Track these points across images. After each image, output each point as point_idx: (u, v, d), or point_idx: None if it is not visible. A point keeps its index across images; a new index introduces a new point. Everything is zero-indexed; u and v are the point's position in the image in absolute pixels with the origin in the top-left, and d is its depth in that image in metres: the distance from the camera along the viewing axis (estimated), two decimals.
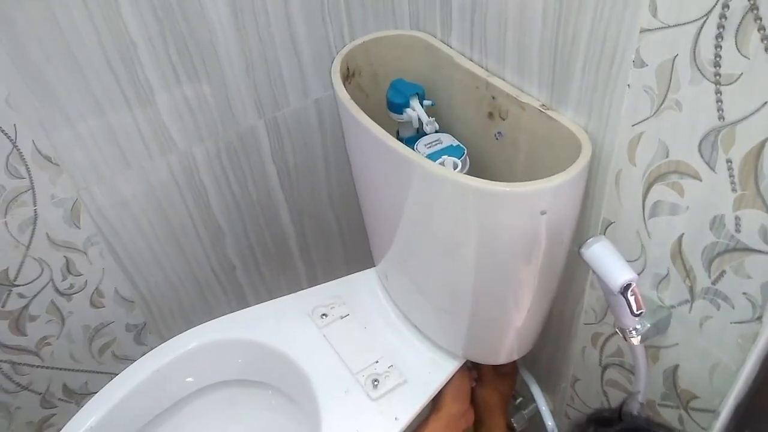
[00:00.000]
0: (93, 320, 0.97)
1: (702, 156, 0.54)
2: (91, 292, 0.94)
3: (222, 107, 0.91)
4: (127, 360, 1.05)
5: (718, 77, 0.49)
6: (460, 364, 0.83)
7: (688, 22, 0.49)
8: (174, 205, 0.95)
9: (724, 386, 0.62)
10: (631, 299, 0.58)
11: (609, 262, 0.58)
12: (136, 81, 0.81)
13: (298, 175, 1.08)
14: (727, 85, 0.49)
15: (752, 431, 0.62)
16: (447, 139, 0.75)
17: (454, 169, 0.70)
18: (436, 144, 0.74)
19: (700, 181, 0.55)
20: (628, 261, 0.60)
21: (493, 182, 0.59)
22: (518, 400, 0.97)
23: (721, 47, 0.48)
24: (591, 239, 0.59)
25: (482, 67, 0.74)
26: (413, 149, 0.74)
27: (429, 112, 0.78)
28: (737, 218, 0.53)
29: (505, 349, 0.80)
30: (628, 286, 0.57)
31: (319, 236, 1.19)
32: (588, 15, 0.57)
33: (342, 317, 0.88)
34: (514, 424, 0.95)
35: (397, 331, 0.87)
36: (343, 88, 0.73)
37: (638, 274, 0.63)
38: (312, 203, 1.13)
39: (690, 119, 0.53)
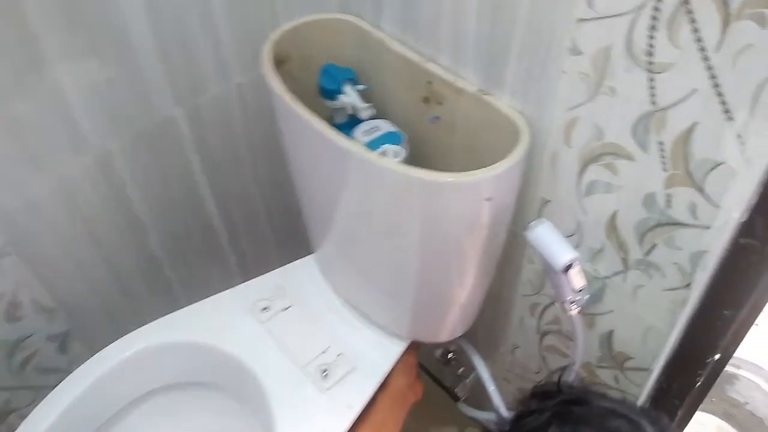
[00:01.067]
0: (11, 334, 0.90)
1: (635, 138, 0.57)
2: (6, 305, 0.87)
3: (138, 96, 0.85)
4: (51, 371, 0.99)
5: (651, 65, 0.51)
6: (407, 345, 0.85)
7: (622, 14, 0.51)
8: (91, 204, 0.89)
9: (656, 347, 0.68)
10: (573, 277, 0.61)
11: (552, 243, 0.60)
12: (40, 71, 0.74)
13: (223, 163, 1.04)
14: (660, 73, 0.51)
15: (680, 384, 0.69)
16: (384, 126, 0.75)
17: (396, 158, 0.70)
18: (374, 131, 0.74)
19: (634, 161, 0.58)
20: (564, 236, 0.62)
21: (438, 173, 0.59)
22: (460, 370, 1.01)
23: (654, 38, 0.50)
24: (534, 222, 0.61)
25: (416, 52, 0.73)
26: (350, 137, 0.73)
27: (362, 96, 0.77)
28: (668, 195, 0.57)
29: (448, 327, 0.83)
30: (569, 265, 0.60)
31: (248, 223, 1.16)
32: (524, 2, 0.58)
33: (284, 309, 0.86)
34: (458, 393, 0.99)
35: (342, 317, 0.87)
36: (276, 78, 0.71)
37: (574, 248, 0.66)
38: (239, 190, 1.10)
39: (624, 104, 0.55)
